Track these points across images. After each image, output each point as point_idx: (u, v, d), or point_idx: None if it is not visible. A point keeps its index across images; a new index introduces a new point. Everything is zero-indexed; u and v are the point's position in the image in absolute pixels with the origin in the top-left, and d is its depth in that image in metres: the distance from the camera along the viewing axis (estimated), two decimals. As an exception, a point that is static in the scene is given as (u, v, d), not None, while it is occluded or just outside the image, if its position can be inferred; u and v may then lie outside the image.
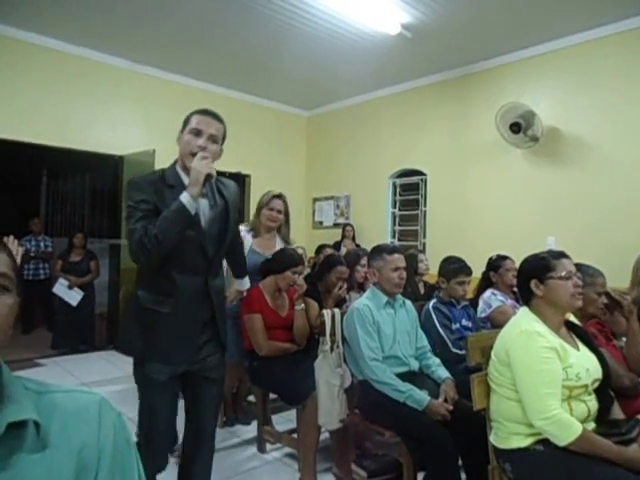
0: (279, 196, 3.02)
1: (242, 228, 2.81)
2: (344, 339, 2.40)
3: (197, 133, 1.72)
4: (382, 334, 2.31)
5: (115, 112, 5.44)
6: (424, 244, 5.85)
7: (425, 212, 5.92)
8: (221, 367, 1.89)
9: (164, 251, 1.62)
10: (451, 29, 4.49)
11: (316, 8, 4.16)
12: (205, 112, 1.77)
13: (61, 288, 5.34)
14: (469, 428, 1.99)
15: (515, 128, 4.58)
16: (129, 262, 6.61)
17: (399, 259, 2.40)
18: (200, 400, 1.85)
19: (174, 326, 1.70)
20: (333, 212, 6.95)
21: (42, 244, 6.18)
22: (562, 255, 1.79)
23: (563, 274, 1.72)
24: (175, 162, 1.80)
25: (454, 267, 2.77)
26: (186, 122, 1.77)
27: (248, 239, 2.95)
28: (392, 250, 2.44)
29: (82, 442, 0.70)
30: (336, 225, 6.73)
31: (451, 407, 2.10)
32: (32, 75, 4.85)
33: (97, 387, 4.00)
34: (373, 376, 2.20)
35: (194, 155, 1.67)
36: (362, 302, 2.38)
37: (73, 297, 5.33)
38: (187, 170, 1.71)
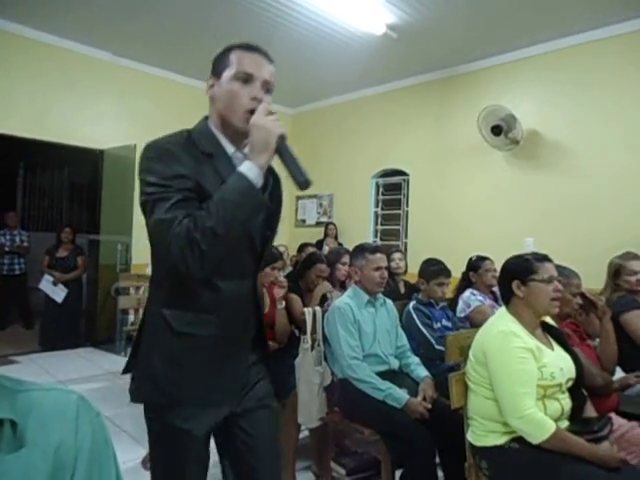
0: None
1: None
2: (325, 337, 2.40)
3: (246, 79, 1.18)
4: (363, 333, 2.32)
5: (97, 105, 5.34)
6: (406, 244, 5.90)
7: (407, 212, 5.97)
8: (272, 396, 1.37)
9: (223, 251, 1.10)
10: (436, 31, 4.53)
11: (302, 6, 4.15)
12: (251, 48, 1.23)
13: (47, 284, 5.26)
14: (447, 426, 2.02)
15: (496, 130, 4.64)
16: (108, 258, 6.38)
17: (381, 259, 2.42)
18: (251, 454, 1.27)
19: (219, 351, 1.21)
20: (316, 211, 6.95)
21: (17, 238, 6.04)
22: (545, 259, 1.81)
23: (545, 277, 1.75)
24: (206, 119, 1.26)
25: (434, 269, 2.80)
26: (222, 63, 1.21)
27: None
28: (374, 250, 2.45)
29: (59, 441, 0.69)
30: (319, 224, 6.74)
31: (429, 405, 2.12)
32: (12, 67, 4.73)
33: (74, 385, 3.93)
34: (353, 374, 2.22)
35: (250, 112, 1.16)
36: (343, 301, 2.39)
37: (58, 294, 5.25)
38: (229, 131, 1.22)
